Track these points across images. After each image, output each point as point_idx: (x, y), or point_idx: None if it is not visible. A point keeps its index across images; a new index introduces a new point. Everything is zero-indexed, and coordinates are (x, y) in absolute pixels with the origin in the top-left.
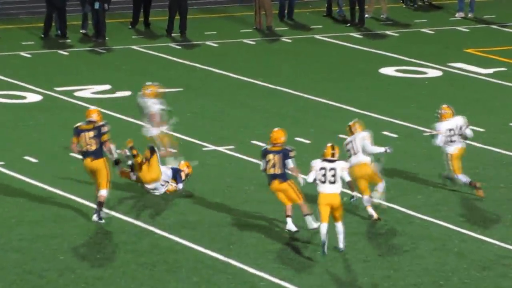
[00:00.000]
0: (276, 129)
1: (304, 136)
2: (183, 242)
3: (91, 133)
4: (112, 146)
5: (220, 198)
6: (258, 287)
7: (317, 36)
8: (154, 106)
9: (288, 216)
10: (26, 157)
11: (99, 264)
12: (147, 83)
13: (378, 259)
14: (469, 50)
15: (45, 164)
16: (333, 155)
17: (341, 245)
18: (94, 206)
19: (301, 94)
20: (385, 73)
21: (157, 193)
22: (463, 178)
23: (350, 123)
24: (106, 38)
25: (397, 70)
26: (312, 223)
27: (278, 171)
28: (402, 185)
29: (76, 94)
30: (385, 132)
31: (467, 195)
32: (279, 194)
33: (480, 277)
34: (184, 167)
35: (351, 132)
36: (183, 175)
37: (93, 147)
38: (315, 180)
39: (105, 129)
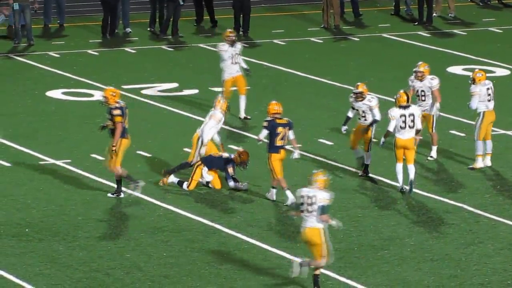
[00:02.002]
0: (273, 101)
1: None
2: (250, 241)
3: (127, 111)
4: None
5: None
6: (325, 285)
7: (385, 35)
8: (433, 81)
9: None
10: (93, 155)
11: (166, 262)
12: (419, 63)
13: (445, 258)
14: None
15: None
16: (407, 100)
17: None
18: (161, 203)
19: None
20: (452, 72)
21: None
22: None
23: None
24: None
25: (465, 69)
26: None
27: (285, 142)
28: (469, 184)
29: (143, 92)
30: (452, 131)
31: None
32: (280, 162)
33: None
34: (238, 159)
35: (483, 79)
36: (231, 170)
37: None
38: (395, 129)
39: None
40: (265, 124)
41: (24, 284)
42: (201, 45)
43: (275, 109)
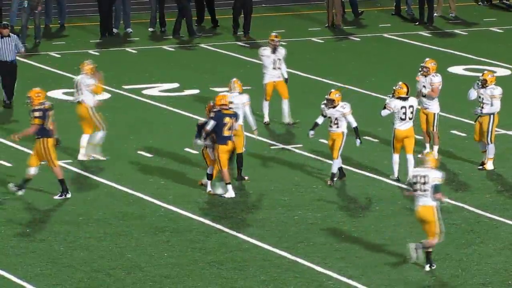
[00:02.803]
0: (220, 94)
1: (373, 135)
2: (251, 241)
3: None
4: None
5: (288, 197)
6: (326, 285)
7: (386, 35)
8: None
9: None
10: (94, 155)
11: (167, 262)
12: (427, 59)
13: (446, 258)
14: None
15: (112, 162)
16: (407, 93)
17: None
18: (162, 204)
19: (370, 93)
20: (453, 72)
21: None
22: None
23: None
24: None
25: (466, 69)
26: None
27: (232, 133)
28: (470, 184)
29: (144, 92)
30: (454, 131)
31: None
32: (227, 155)
33: None
34: None
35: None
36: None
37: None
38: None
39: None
40: (211, 115)
41: (25, 284)
42: (202, 45)
43: (222, 101)
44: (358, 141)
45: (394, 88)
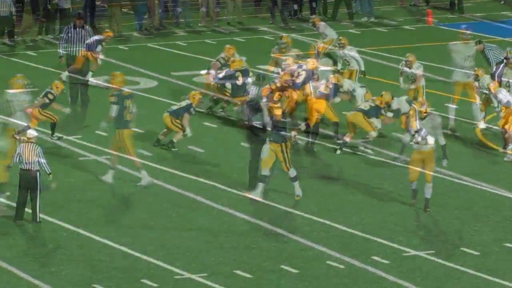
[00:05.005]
0: (117, 72)
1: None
2: (314, 246)
3: None
4: None
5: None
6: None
7: None
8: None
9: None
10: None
11: (245, 269)
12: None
13: None
14: None
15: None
16: None
17: None
18: (239, 214)
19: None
20: None
21: None
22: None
23: None
24: None
25: None
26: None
27: (132, 117)
28: None
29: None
30: None
31: None
32: (131, 140)
33: None
34: None
35: None
36: None
37: None
38: None
39: None
40: (113, 99)
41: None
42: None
43: (120, 80)
44: (445, 161)
45: None
